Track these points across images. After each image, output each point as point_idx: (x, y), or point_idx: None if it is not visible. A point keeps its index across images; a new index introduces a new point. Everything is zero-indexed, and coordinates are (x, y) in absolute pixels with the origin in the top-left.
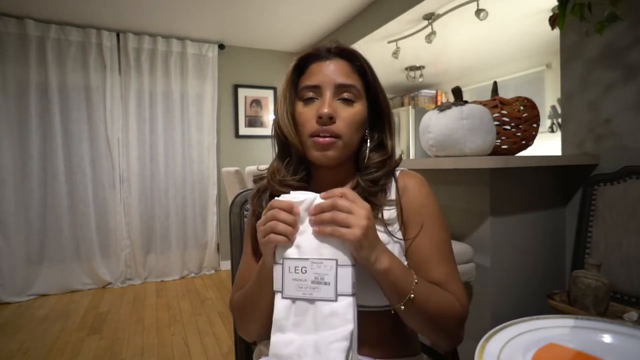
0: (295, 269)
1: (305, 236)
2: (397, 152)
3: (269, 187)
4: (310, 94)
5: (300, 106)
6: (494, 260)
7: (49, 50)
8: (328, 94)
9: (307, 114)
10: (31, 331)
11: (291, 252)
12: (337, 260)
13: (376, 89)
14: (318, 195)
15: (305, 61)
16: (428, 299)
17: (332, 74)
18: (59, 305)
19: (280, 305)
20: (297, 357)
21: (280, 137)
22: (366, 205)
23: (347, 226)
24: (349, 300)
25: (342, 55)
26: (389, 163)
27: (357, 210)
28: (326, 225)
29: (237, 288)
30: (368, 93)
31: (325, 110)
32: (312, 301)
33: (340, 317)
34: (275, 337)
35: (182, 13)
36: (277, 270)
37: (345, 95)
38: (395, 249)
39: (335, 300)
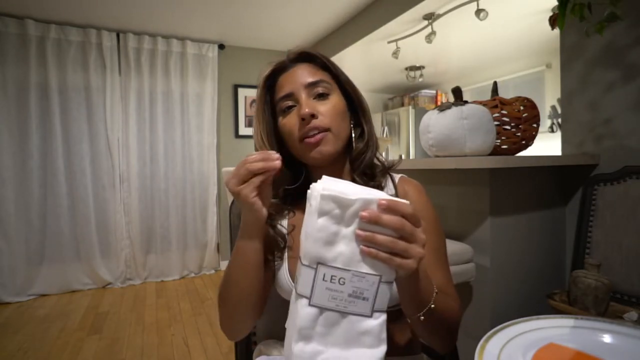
0: (331, 279)
1: (348, 242)
2: (396, 155)
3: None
4: (288, 103)
5: (281, 118)
6: (494, 260)
7: (49, 51)
8: (303, 96)
9: (290, 121)
10: (31, 331)
11: (329, 256)
12: (381, 277)
13: (342, 82)
14: (376, 197)
15: (272, 78)
16: (444, 308)
17: (299, 77)
18: (59, 305)
19: (305, 312)
20: None
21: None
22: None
23: (406, 257)
24: (383, 318)
25: (303, 59)
26: (370, 145)
27: (418, 237)
28: (380, 247)
29: None
30: (340, 86)
31: (305, 110)
32: (344, 314)
33: (374, 337)
34: (298, 347)
35: (182, 13)
36: (306, 273)
37: (319, 90)
38: None
39: (371, 316)
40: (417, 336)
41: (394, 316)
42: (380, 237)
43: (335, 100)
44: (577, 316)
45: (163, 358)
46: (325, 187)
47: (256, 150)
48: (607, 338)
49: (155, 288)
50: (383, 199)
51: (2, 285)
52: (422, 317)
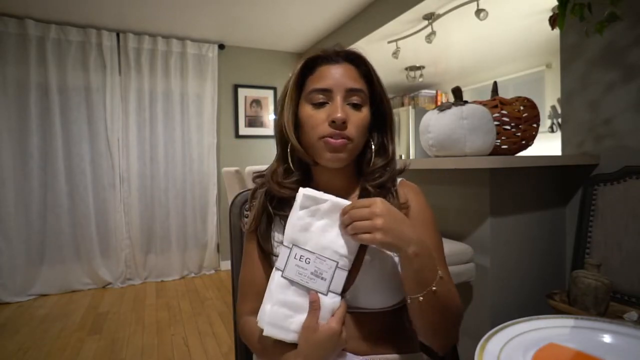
0: (300, 257)
1: (318, 232)
2: (397, 156)
3: (269, 187)
4: (321, 97)
5: (309, 109)
6: (494, 260)
7: (49, 50)
8: (339, 98)
9: (318, 117)
10: (31, 331)
11: (301, 240)
12: (337, 263)
13: (381, 94)
14: (343, 202)
15: (312, 63)
16: (446, 296)
17: (342, 77)
18: (59, 305)
19: (278, 281)
20: (290, 317)
21: (283, 138)
22: (382, 203)
23: (367, 232)
24: (337, 300)
25: (350, 60)
26: (391, 167)
27: (373, 213)
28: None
29: (243, 295)
30: (372, 97)
31: (340, 114)
32: (306, 289)
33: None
34: (270, 308)
35: (182, 13)
36: (284, 252)
37: (354, 99)
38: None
39: (326, 295)
40: (416, 335)
41: (393, 315)
42: (344, 218)
43: (365, 113)
44: (577, 316)
45: (163, 358)
46: (307, 189)
47: (282, 129)
48: (607, 338)
49: (155, 288)
50: (347, 205)
51: (2, 285)
52: (422, 298)
